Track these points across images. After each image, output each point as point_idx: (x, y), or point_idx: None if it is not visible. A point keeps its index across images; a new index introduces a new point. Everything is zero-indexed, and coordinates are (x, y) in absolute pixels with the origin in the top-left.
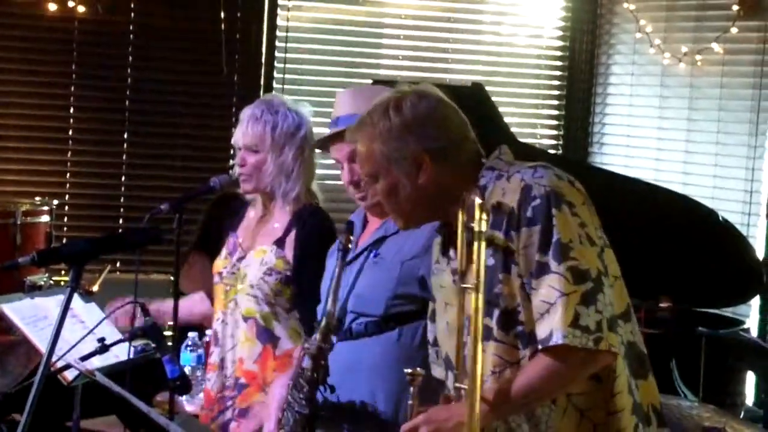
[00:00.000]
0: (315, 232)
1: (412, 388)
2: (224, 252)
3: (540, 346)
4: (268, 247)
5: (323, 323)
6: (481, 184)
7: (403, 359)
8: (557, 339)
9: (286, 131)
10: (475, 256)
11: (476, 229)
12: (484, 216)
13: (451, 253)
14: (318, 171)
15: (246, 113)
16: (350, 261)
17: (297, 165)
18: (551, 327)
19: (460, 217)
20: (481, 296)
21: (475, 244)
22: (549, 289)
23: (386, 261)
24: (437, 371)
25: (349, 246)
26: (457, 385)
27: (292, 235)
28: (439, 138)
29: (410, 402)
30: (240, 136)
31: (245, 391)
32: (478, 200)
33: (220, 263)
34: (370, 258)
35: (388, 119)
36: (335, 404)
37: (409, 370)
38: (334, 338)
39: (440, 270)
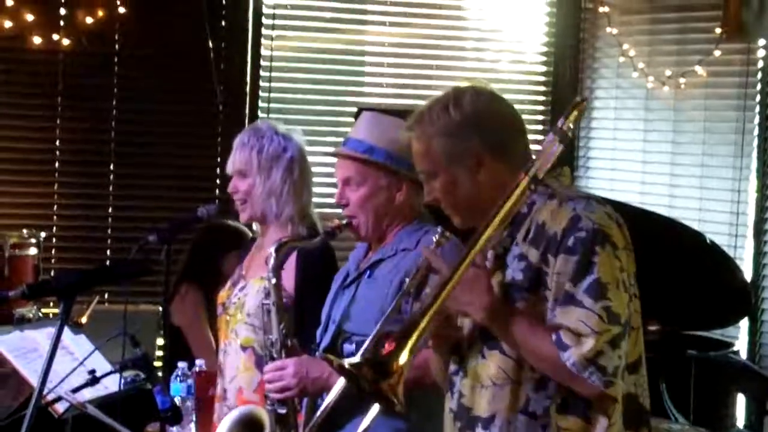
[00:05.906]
0: (315, 257)
1: None
2: (229, 283)
3: (559, 349)
4: (265, 275)
5: None
6: (531, 199)
7: None
8: (570, 361)
9: (273, 153)
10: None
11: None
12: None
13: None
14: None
15: (235, 141)
16: (348, 284)
17: (286, 187)
18: (572, 347)
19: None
20: None
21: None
22: (578, 323)
23: (378, 280)
24: None
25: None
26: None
27: (291, 261)
28: (499, 133)
29: None
30: (230, 163)
31: None
32: None
33: (224, 294)
34: (364, 278)
35: (448, 115)
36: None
37: None
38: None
39: None
